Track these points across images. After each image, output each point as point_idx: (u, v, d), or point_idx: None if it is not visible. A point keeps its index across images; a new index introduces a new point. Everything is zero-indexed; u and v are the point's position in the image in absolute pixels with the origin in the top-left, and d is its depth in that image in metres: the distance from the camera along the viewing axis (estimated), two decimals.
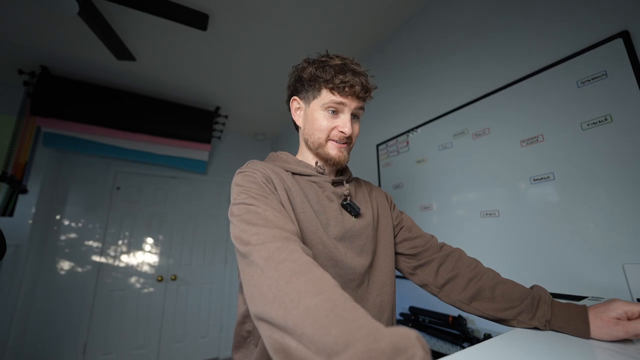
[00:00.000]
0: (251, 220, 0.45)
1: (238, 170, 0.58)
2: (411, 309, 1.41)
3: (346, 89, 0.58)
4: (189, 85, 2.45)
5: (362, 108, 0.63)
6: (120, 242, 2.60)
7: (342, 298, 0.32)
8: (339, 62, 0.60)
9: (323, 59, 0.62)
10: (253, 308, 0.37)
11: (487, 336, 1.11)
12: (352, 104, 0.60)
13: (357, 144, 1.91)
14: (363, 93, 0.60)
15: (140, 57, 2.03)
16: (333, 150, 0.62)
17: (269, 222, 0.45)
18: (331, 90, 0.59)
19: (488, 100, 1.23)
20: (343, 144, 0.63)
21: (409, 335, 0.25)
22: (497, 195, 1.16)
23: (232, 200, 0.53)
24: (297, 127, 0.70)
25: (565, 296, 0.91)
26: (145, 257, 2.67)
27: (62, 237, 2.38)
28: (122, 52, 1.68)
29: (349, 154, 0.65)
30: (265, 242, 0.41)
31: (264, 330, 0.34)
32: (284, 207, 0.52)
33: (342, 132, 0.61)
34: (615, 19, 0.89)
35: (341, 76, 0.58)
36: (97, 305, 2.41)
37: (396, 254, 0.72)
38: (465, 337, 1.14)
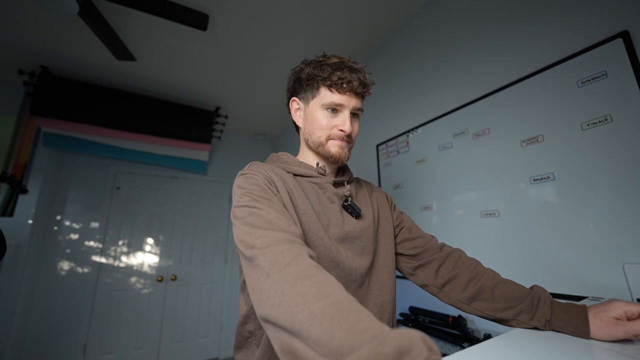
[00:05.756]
0: (255, 223, 0.45)
1: (240, 172, 0.58)
2: (411, 309, 1.41)
3: (344, 85, 0.58)
4: (189, 86, 2.45)
5: (361, 108, 0.63)
6: (120, 242, 2.60)
7: (346, 301, 0.32)
8: (336, 61, 0.60)
9: (320, 59, 0.62)
10: (259, 311, 0.37)
11: (487, 336, 1.11)
12: (350, 101, 0.60)
13: (357, 144, 1.91)
14: (361, 89, 0.60)
15: (140, 57, 2.03)
16: (334, 147, 0.62)
17: (272, 225, 0.45)
18: (329, 87, 0.59)
19: (488, 100, 1.23)
20: (343, 141, 0.63)
21: (414, 337, 0.25)
22: (497, 195, 1.16)
23: (234, 203, 0.52)
24: (297, 128, 0.71)
25: (565, 296, 0.91)
26: (145, 257, 2.67)
27: (62, 237, 2.38)
28: (122, 52, 1.68)
29: (349, 151, 0.65)
30: (270, 245, 0.41)
31: (271, 332, 0.35)
32: (286, 209, 0.52)
33: (342, 130, 0.61)
34: (615, 19, 0.89)
35: (339, 73, 0.58)
36: (97, 305, 2.40)
37: (396, 254, 0.72)
38: (465, 337, 1.14)
